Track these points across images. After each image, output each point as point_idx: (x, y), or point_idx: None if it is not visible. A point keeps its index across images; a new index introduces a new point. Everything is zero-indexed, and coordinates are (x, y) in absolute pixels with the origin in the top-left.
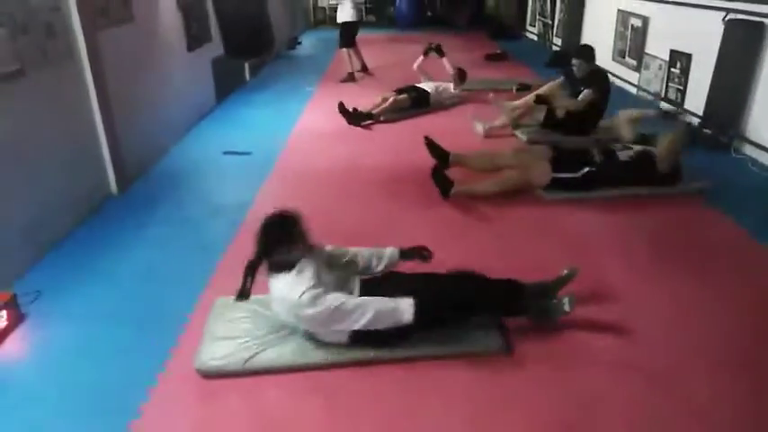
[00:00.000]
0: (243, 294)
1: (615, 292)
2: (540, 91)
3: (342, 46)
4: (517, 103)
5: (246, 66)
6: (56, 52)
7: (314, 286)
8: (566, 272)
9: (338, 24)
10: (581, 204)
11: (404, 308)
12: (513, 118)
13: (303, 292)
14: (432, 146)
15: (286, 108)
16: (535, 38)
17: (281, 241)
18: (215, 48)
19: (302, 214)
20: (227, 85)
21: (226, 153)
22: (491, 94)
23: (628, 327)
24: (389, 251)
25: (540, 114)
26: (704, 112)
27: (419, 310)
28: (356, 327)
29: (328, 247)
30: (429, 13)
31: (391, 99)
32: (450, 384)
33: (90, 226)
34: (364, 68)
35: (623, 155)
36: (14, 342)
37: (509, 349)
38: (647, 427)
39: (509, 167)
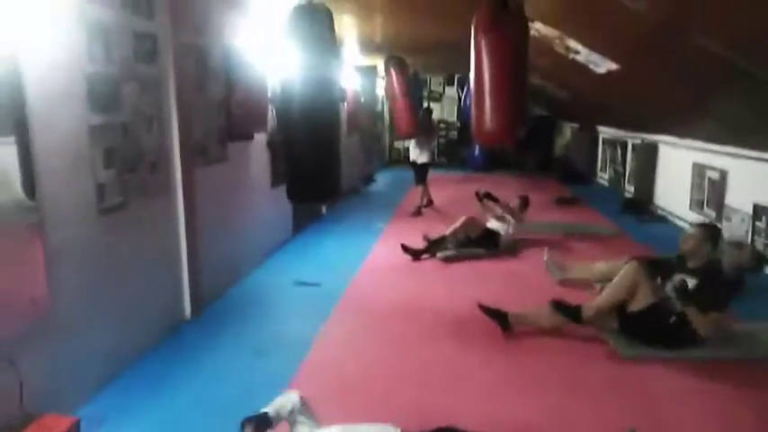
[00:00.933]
0: None
1: None
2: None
3: (417, 183)
4: (599, 267)
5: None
6: (156, 186)
7: None
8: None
9: (411, 164)
10: (666, 364)
11: None
12: (595, 276)
13: None
14: (487, 311)
15: (357, 242)
16: (606, 183)
17: None
18: None
19: None
20: (305, 218)
21: (297, 284)
22: (545, 253)
23: None
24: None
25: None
26: None
27: None
28: None
29: None
30: (499, 158)
31: (462, 221)
32: None
33: (160, 351)
34: (430, 203)
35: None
36: None
37: None
38: None
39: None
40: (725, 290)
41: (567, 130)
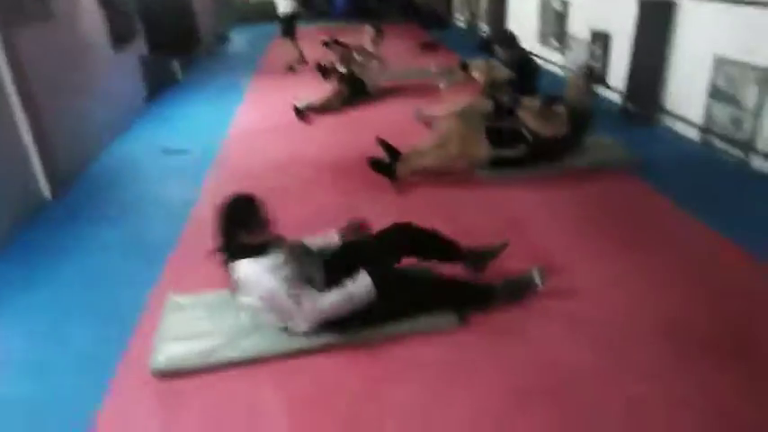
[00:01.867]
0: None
1: (559, 263)
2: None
3: (283, 36)
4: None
5: (177, 64)
6: None
7: (286, 278)
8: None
9: (270, 18)
10: (518, 182)
11: (363, 290)
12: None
13: (272, 282)
14: (385, 145)
15: (222, 105)
16: (464, 26)
17: (246, 224)
18: (143, 46)
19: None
20: (159, 83)
21: (164, 152)
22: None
23: (575, 289)
24: (333, 236)
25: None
26: (626, 88)
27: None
28: (323, 317)
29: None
30: (361, 5)
31: (332, 91)
32: (412, 361)
33: (24, 235)
34: (302, 59)
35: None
36: None
37: (465, 321)
38: (598, 387)
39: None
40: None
41: None
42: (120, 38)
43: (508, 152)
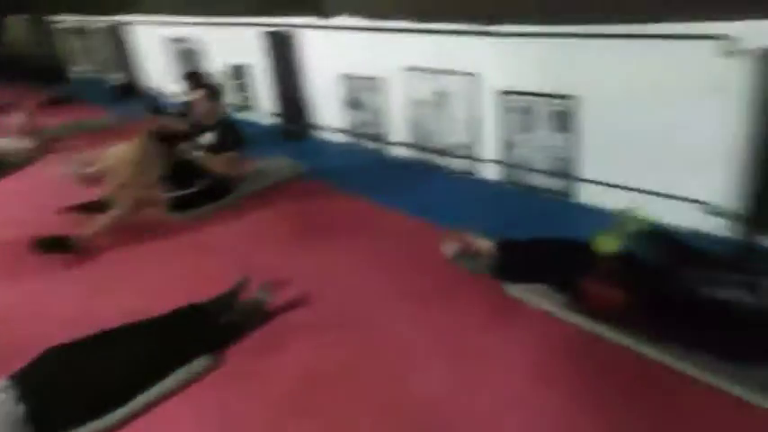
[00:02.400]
0: None
1: (284, 276)
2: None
3: None
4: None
5: None
6: None
7: None
8: (260, 288)
9: None
10: (215, 218)
11: None
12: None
13: None
14: (49, 244)
15: None
16: (92, 74)
17: None
18: None
19: None
20: None
21: None
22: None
23: (306, 296)
24: None
25: None
26: (280, 110)
27: None
28: None
29: None
30: None
31: None
32: (176, 415)
33: None
34: None
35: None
36: None
37: (219, 359)
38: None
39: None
40: (236, 134)
41: (19, 24)
42: None
43: (187, 190)
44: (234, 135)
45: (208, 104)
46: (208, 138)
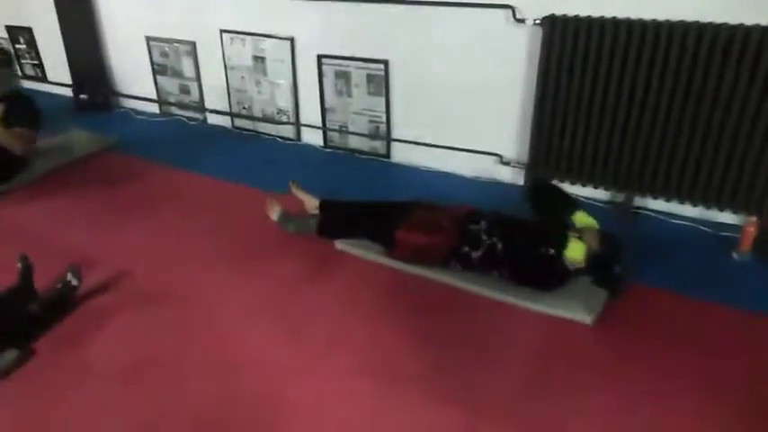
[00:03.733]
0: None
1: (95, 257)
2: None
3: None
4: None
5: None
6: None
7: None
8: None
9: None
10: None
11: None
12: None
13: None
14: None
15: None
16: None
17: None
18: None
19: None
20: None
21: None
22: None
23: (121, 275)
24: None
25: None
26: (73, 80)
27: None
28: None
29: None
30: None
31: None
32: None
33: None
34: None
35: None
36: None
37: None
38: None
39: None
40: (30, 106)
41: None
42: None
43: None
44: (26, 107)
45: None
46: None
